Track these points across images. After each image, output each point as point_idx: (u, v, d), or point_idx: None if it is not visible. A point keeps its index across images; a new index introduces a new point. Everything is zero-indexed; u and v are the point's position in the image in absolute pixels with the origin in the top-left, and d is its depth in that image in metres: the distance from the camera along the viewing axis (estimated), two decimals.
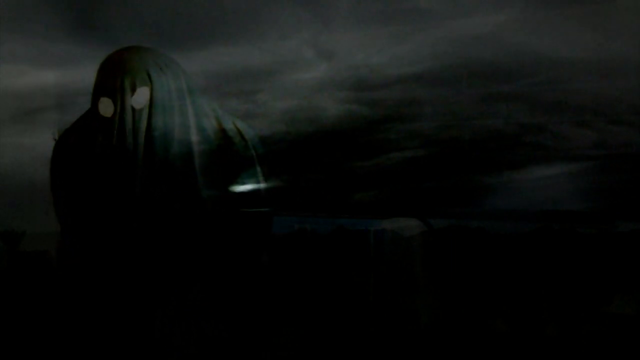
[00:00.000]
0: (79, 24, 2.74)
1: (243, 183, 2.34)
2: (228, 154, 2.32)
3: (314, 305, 2.63)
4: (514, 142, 2.21)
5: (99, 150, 2.24)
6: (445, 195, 2.34)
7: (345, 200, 2.49)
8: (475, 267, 2.44)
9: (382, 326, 2.62)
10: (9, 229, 2.97)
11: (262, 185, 2.36)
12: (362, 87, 2.49)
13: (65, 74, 2.81)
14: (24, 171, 2.67)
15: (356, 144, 2.45)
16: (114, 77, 2.24)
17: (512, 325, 2.46)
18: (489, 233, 2.44)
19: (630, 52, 1.93)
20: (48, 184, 2.46)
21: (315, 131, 2.47)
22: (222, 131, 2.36)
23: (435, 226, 2.53)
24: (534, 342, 2.43)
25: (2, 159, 2.78)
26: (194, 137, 2.31)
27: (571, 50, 2.04)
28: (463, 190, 2.31)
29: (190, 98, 2.33)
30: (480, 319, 2.48)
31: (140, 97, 2.23)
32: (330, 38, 2.67)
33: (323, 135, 2.47)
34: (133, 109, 2.23)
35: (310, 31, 2.70)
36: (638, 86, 2.02)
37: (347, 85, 2.53)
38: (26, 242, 2.96)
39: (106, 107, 2.23)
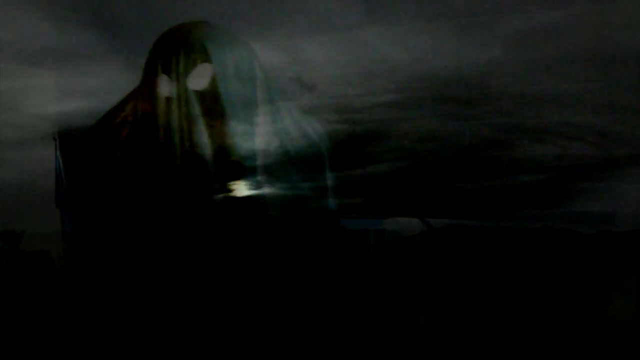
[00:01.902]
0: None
1: (314, 179, 2.14)
2: (300, 151, 2.13)
3: (313, 305, 2.57)
4: (473, 154, 2.77)
5: (147, 136, 1.89)
6: (419, 199, 2.84)
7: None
8: (475, 268, 2.53)
9: (381, 326, 2.57)
10: (9, 229, 2.96)
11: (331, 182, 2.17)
12: (343, 111, 2.99)
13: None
14: None
15: (342, 156, 2.93)
16: (168, 52, 1.90)
17: (511, 326, 2.44)
18: (488, 233, 2.54)
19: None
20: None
21: (307, 145, 2.90)
22: (293, 125, 2.11)
23: (435, 226, 2.64)
24: (533, 342, 2.40)
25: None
26: (262, 131, 2.05)
27: (519, 85, 2.68)
28: (435, 196, 2.81)
29: (261, 85, 2.06)
30: (480, 319, 2.46)
31: (199, 77, 1.89)
32: (311, 76, 3.17)
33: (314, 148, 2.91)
34: (191, 90, 1.87)
35: (294, 72, 3.19)
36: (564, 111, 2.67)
37: (330, 110, 3.02)
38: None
39: (163, 86, 1.90)
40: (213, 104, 1.95)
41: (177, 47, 1.91)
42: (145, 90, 1.99)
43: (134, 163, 1.99)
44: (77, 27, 2.83)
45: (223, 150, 1.96)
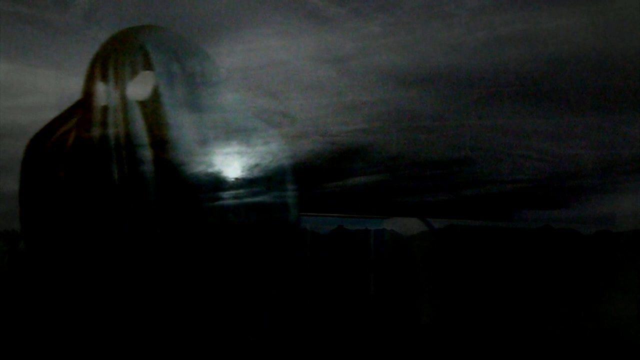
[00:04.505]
0: None
1: (274, 191, 1.96)
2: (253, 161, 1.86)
3: (313, 305, 2.60)
4: (442, 169, 3.35)
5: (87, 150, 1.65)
6: (391, 206, 3.40)
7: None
8: (475, 268, 2.54)
9: (381, 326, 2.56)
10: (9, 229, 3.08)
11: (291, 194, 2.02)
12: (323, 136, 3.58)
13: None
14: None
15: (324, 171, 3.49)
16: (106, 59, 1.67)
17: (510, 326, 2.42)
18: (489, 234, 2.55)
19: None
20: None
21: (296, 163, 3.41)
22: (246, 133, 1.86)
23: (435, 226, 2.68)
24: (533, 342, 2.39)
25: None
26: (209, 139, 1.79)
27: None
28: (403, 204, 3.32)
29: (211, 89, 1.83)
30: (480, 319, 2.45)
31: (140, 85, 1.68)
32: (291, 110, 3.76)
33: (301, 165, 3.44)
34: (130, 101, 1.65)
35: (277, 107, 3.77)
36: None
37: (311, 135, 3.60)
38: None
39: (99, 96, 1.66)
40: (155, 116, 1.73)
41: (116, 52, 1.70)
42: (85, 99, 1.78)
43: (76, 178, 1.79)
44: None
45: (166, 165, 1.72)
